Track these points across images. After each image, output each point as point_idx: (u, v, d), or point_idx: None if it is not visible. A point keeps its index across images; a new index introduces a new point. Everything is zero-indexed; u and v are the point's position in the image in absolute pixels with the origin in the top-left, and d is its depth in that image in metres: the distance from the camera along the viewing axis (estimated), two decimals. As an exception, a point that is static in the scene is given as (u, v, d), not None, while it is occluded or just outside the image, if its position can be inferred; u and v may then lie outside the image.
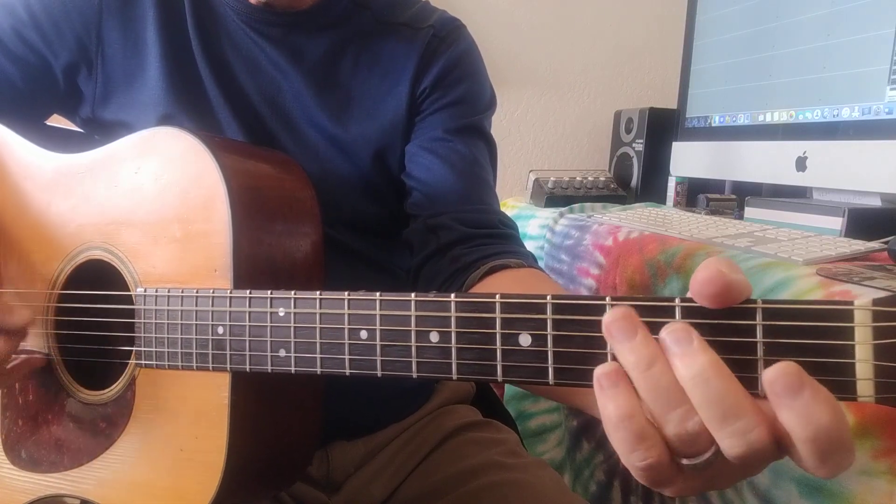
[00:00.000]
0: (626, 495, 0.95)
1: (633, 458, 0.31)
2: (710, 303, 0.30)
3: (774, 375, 0.28)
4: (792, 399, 0.28)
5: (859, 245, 0.74)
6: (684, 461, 0.31)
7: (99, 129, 0.72)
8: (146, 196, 0.56)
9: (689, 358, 0.30)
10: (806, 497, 0.59)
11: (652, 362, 0.30)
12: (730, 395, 0.29)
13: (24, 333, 0.58)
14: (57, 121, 0.75)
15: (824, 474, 0.29)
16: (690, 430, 0.30)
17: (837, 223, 0.86)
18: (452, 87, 0.73)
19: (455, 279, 0.63)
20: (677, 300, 0.31)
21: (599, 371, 0.32)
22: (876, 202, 0.90)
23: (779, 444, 0.30)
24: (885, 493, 0.53)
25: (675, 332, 0.30)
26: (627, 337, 0.31)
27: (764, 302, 0.30)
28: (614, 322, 0.31)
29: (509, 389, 1.21)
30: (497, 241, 0.67)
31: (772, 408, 0.29)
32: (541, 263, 1.15)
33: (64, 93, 0.71)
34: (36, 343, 0.62)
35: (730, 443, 0.29)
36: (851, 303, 0.28)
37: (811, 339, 0.29)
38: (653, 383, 0.30)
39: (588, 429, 1.04)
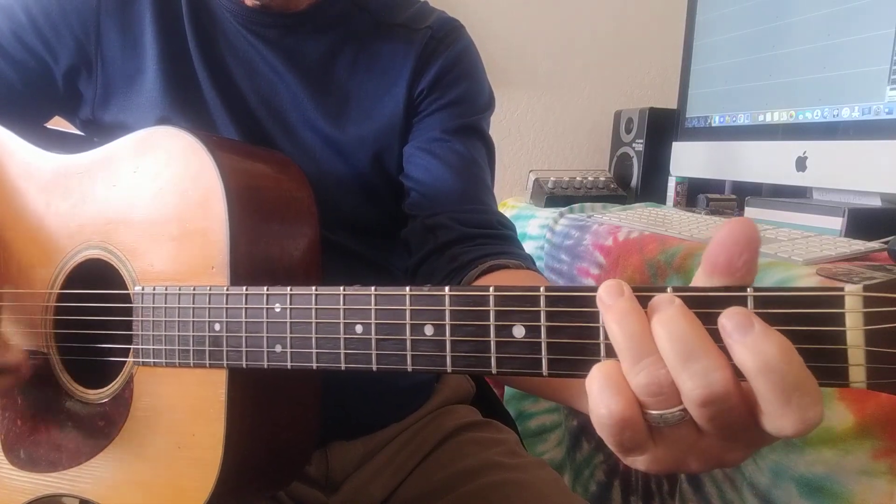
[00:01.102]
0: (626, 495, 0.95)
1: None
2: (730, 252, 0.31)
3: (726, 317, 0.29)
4: (742, 335, 0.29)
5: (859, 245, 0.74)
6: (652, 412, 0.31)
7: (98, 131, 0.72)
8: (144, 195, 0.56)
9: (663, 312, 0.31)
10: (806, 497, 0.59)
11: (627, 313, 0.32)
12: (693, 336, 0.30)
13: None
14: (56, 122, 0.75)
15: (792, 424, 0.28)
16: (661, 381, 0.31)
17: (837, 223, 0.86)
18: (450, 87, 0.73)
19: (452, 278, 0.63)
20: (669, 289, 0.31)
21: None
22: (876, 202, 0.90)
23: (748, 406, 0.30)
24: (885, 493, 0.53)
25: (659, 297, 0.32)
26: (613, 296, 0.32)
27: (755, 289, 0.30)
28: (604, 287, 0.33)
29: (509, 389, 1.21)
30: (496, 242, 0.67)
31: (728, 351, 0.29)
32: (541, 263, 1.16)
33: (64, 95, 0.71)
34: (34, 343, 0.62)
35: (691, 384, 0.29)
36: (842, 289, 0.28)
37: (803, 325, 0.29)
38: (627, 331, 0.31)
39: (588, 429, 1.04)
